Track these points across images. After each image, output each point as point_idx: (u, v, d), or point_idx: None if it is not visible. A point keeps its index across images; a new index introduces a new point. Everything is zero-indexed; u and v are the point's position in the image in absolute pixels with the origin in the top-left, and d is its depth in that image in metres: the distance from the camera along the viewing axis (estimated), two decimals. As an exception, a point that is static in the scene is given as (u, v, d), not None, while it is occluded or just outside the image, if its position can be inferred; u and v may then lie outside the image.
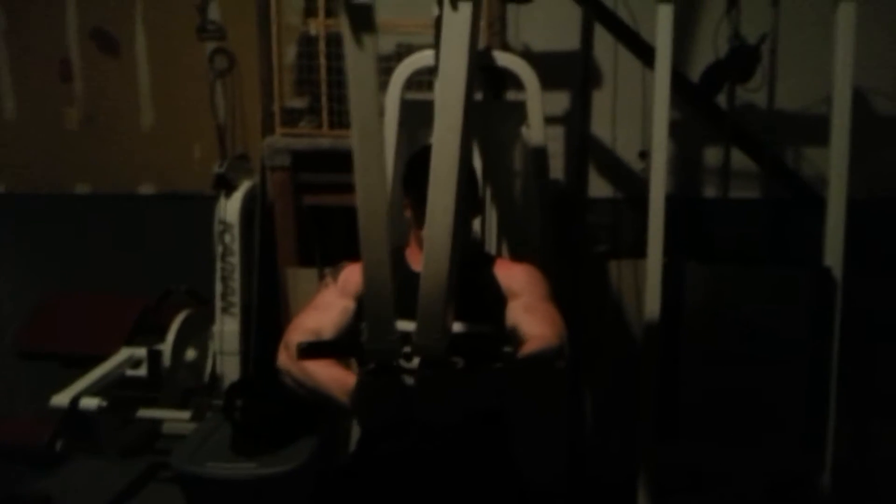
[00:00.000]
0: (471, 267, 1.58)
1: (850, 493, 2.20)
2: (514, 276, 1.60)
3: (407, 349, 1.24)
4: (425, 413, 1.20)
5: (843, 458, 2.15)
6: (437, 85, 1.17)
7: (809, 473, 2.07)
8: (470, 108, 1.17)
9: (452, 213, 1.15)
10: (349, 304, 1.59)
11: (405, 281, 1.54)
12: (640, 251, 2.20)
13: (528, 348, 1.38)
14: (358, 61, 1.18)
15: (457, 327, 1.46)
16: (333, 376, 1.37)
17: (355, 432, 1.86)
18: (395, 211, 1.92)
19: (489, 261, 1.64)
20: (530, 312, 1.50)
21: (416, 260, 1.58)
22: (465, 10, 1.14)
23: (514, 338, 1.47)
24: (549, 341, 1.40)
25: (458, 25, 1.14)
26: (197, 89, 3.19)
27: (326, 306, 1.60)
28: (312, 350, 1.27)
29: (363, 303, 1.54)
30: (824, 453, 2.07)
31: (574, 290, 2.56)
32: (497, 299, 1.55)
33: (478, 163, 2.23)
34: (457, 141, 1.14)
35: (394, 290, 1.39)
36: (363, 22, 1.19)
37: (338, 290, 1.61)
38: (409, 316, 1.46)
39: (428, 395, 1.19)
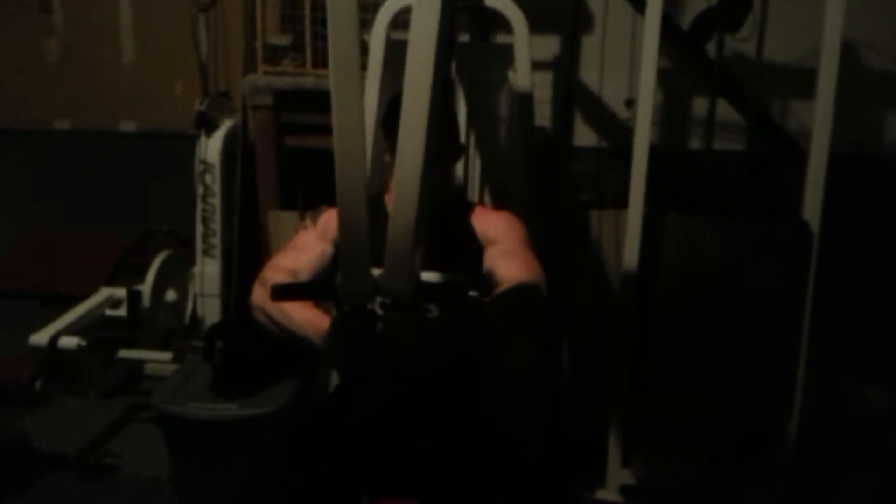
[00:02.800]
0: (449, 215, 1.57)
1: (816, 444, 2.26)
2: (491, 224, 1.59)
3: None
4: (393, 357, 1.21)
5: (811, 410, 2.21)
6: (412, 22, 1.13)
7: (777, 424, 2.13)
8: (443, 47, 1.13)
9: (422, 155, 1.13)
10: (327, 248, 1.59)
11: (384, 226, 1.53)
12: (622, 201, 2.19)
13: (503, 288, 1.39)
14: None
15: (431, 276, 1.46)
16: (308, 318, 1.37)
17: (335, 376, 1.87)
18: (378, 155, 1.90)
19: (468, 209, 1.63)
20: (507, 257, 1.50)
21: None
22: None
23: (490, 283, 1.48)
24: (525, 281, 1.40)
25: None
26: (179, 23, 3.10)
27: (305, 248, 1.59)
28: (287, 291, 1.27)
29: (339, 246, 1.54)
30: (792, 404, 2.12)
31: (555, 239, 2.56)
32: (473, 248, 1.54)
33: (462, 107, 2.20)
34: (428, 80, 1.11)
35: (369, 233, 1.40)
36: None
37: (317, 233, 1.60)
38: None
39: (395, 339, 1.20)
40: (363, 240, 1.19)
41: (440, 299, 1.20)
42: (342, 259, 1.23)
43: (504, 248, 1.52)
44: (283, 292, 1.26)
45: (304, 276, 1.50)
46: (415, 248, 1.17)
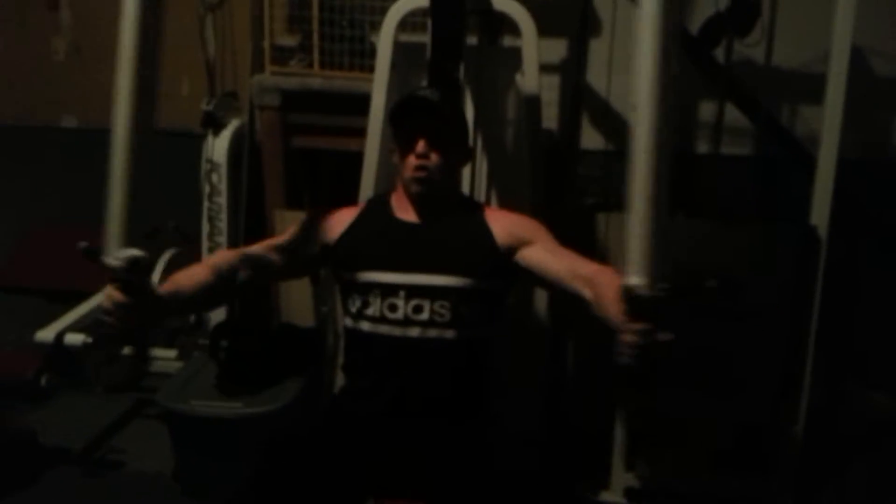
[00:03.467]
0: (461, 213, 1.57)
1: (820, 448, 2.26)
2: (518, 224, 1.56)
3: (393, 301, 1.25)
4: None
5: (816, 413, 2.20)
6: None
7: (783, 425, 2.12)
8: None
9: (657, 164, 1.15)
10: (308, 246, 1.58)
11: (391, 230, 1.53)
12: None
13: (607, 277, 1.30)
14: None
15: (447, 279, 1.46)
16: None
17: (340, 376, 1.87)
18: (386, 156, 1.91)
19: (479, 209, 1.61)
20: (564, 254, 1.47)
21: (401, 207, 1.56)
22: None
23: (552, 282, 1.46)
24: (608, 270, 1.36)
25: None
26: (187, 22, 3.10)
27: (286, 236, 1.62)
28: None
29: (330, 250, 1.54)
30: (798, 406, 2.12)
31: (562, 242, 2.56)
32: (488, 243, 1.52)
33: (470, 109, 2.20)
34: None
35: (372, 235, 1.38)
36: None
37: (303, 228, 1.61)
38: (395, 267, 1.47)
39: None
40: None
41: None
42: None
43: (551, 247, 1.50)
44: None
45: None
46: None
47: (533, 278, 1.54)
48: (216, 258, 1.59)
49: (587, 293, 1.35)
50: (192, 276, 1.44)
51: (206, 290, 1.44)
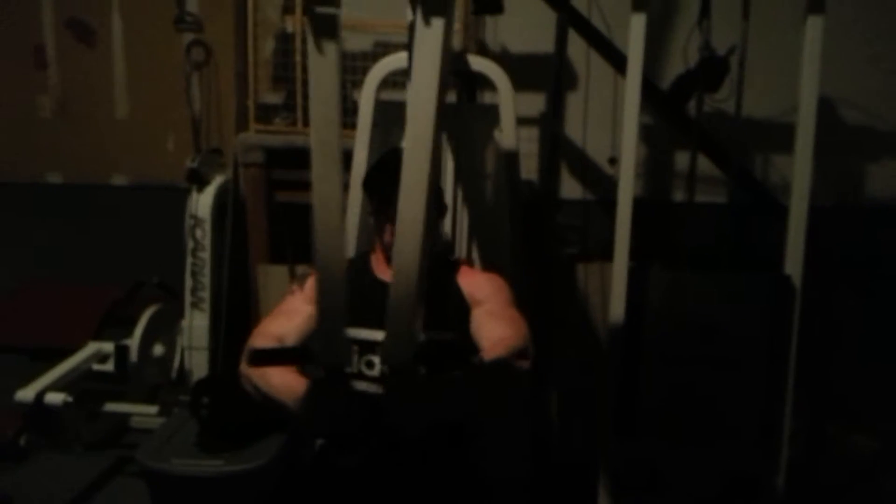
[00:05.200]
0: (435, 275, 1.59)
1: (805, 494, 2.26)
2: (478, 285, 1.62)
3: (371, 357, 1.27)
4: (392, 422, 1.22)
5: (799, 458, 2.21)
6: (409, 98, 1.18)
7: (765, 474, 2.13)
8: (441, 121, 1.19)
9: (422, 224, 1.17)
10: (314, 312, 1.60)
11: (369, 288, 1.56)
12: (608, 252, 2.23)
13: (491, 351, 1.40)
14: (320, 69, 1.20)
15: (427, 336, 1.47)
16: (286, 382, 1.38)
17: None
18: (364, 216, 1.94)
19: (454, 269, 1.65)
20: (494, 317, 1.52)
21: (380, 267, 1.59)
22: (438, 25, 1.15)
23: (477, 343, 1.50)
24: (513, 343, 1.42)
25: (430, 40, 1.16)
26: (173, 80, 3.17)
27: (292, 312, 1.60)
28: (264, 356, 1.29)
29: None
30: (779, 455, 2.12)
31: (543, 292, 2.59)
32: (460, 309, 1.57)
33: (450, 164, 2.25)
34: (427, 154, 1.16)
35: (348, 298, 1.41)
36: (327, 30, 1.21)
37: (304, 297, 1.62)
38: (372, 324, 1.48)
39: (395, 404, 1.21)
40: (339, 304, 1.21)
41: (441, 363, 1.22)
42: (318, 323, 1.25)
43: (491, 309, 1.54)
44: (260, 358, 1.27)
45: (290, 342, 1.52)
46: (415, 312, 1.20)
47: None
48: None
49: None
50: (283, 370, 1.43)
51: None
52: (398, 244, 1.19)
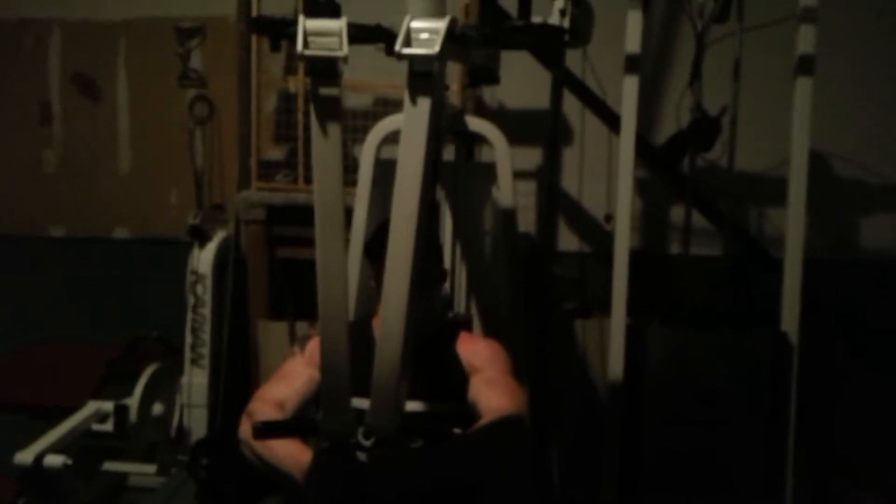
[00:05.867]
0: (434, 343, 1.60)
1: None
2: (475, 352, 1.62)
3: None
4: (378, 493, 1.22)
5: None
6: (397, 174, 1.21)
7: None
8: (427, 197, 1.21)
9: (407, 297, 1.18)
10: (315, 375, 1.60)
11: (368, 355, 1.56)
12: (606, 304, 2.25)
13: (485, 421, 1.41)
14: (323, 149, 1.23)
15: (417, 406, 1.48)
16: (290, 452, 1.38)
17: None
18: (364, 280, 1.95)
19: (453, 336, 1.65)
20: (490, 386, 1.52)
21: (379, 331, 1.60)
22: (424, 105, 1.19)
23: (474, 412, 1.50)
24: (508, 412, 1.42)
25: (417, 119, 1.19)
26: (176, 135, 3.22)
27: (292, 376, 1.61)
28: (268, 430, 1.29)
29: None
30: (783, 512, 2.12)
31: (541, 348, 2.60)
32: (458, 377, 1.57)
33: (448, 222, 2.27)
34: (412, 230, 1.18)
35: (355, 361, 1.43)
36: (330, 112, 1.24)
37: (304, 360, 1.63)
38: (368, 393, 1.49)
39: (380, 475, 1.21)
40: (344, 377, 1.22)
41: (424, 434, 1.23)
42: (323, 395, 1.26)
43: (488, 377, 1.54)
44: (265, 431, 1.28)
45: (291, 406, 1.52)
46: (401, 383, 1.21)
47: None
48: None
49: None
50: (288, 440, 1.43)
51: None
52: (384, 314, 1.20)
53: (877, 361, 2.77)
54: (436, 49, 1.15)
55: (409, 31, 1.17)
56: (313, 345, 1.65)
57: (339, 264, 1.21)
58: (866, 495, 2.61)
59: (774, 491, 2.13)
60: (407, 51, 1.16)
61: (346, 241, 1.26)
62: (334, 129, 1.22)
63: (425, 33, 1.17)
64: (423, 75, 1.17)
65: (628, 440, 2.21)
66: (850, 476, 2.64)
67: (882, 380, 2.72)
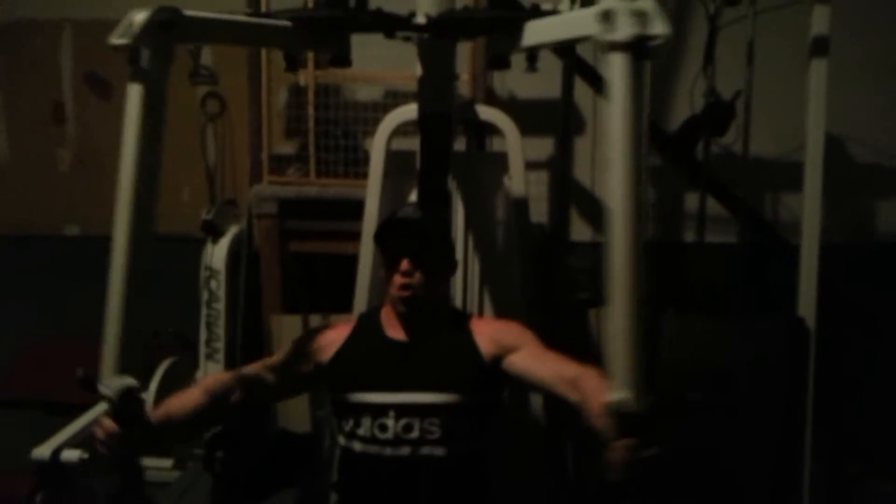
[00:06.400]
0: (447, 328, 1.59)
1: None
2: (503, 331, 1.59)
3: (384, 421, 1.37)
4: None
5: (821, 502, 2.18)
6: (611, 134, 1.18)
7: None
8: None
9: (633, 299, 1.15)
10: (302, 366, 1.60)
11: (381, 349, 1.56)
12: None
13: (598, 387, 1.27)
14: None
15: (436, 397, 1.47)
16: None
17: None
18: (375, 269, 1.95)
19: (465, 321, 1.64)
20: (546, 358, 1.48)
21: (391, 324, 1.58)
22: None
23: (539, 388, 1.52)
24: (590, 372, 1.35)
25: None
26: (188, 133, 3.22)
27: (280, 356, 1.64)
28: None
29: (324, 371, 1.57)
30: (801, 500, 2.09)
31: (555, 339, 2.58)
32: (473, 358, 1.54)
33: (460, 212, 2.26)
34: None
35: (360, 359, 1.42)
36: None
37: (290, 349, 1.63)
38: (384, 386, 1.49)
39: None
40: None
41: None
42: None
43: (536, 352, 1.50)
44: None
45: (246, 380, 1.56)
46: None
47: (522, 383, 1.57)
48: (209, 380, 1.61)
49: (573, 397, 1.35)
50: (185, 400, 1.48)
51: (199, 413, 1.48)
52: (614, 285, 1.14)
53: (890, 347, 2.73)
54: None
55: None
56: (319, 336, 1.64)
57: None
58: (881, 482, 2.57)
59: (789, 478, 2.10)
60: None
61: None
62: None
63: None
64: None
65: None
66: (864, 463, 2.61)
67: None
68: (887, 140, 2.90)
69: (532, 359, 1.49)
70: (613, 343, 1.17)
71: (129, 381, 1.29)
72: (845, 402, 2.56)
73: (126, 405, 1.27)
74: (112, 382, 1.28)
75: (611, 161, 1.18)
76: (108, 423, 1.27)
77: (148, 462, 2.61)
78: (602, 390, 1.19)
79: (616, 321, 1.16)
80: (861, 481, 2.52)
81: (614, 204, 1.16)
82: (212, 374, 1.62)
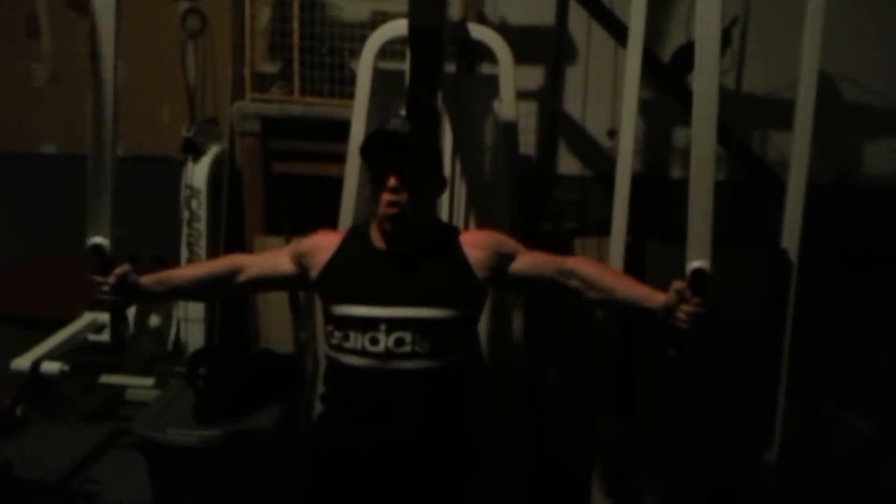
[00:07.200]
0: (437, 241, 1.57)
1: (798, 472, 2.28)
2: (498, 243, 1.60)
3: (375, 334, 1.46)
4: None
5: (794, 438, 2.22)
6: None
7: (760, 452, 2.14)
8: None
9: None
10: (290, 266, 1.62)
11: (371, 262, 1.54)
12: (605, 228, 2.22)
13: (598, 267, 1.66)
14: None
15: (428, 311, 1.49)
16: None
17: (318, 403, 1.87)
18: (364, 183, 1.92)
19: (454, 235, 1.62)
20: (540, 258, 1.61)
21: (379, 239, 1.56)
22: None
23: (543, 285, 1.61)
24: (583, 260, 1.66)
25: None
26: (168, 50, 3.12)
27: (272, 254, 1.72)
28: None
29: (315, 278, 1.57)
30: (773, 433, 2.13)
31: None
32: (463, 269, 1.54)
33: (448, 136, 2.23)
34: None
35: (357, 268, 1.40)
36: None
37: (291, 249, 1.65)
38: (373, 299, 1.47)
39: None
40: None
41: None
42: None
43: (530, 254, 1.60)
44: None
45: (253, 272, 1.65)
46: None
47: (522, 288, 1.78)
48: (223, 262, 1.74)
49: (574, 284, 1.58)
50: (189, 268, 1.76)
51: (197, 282, 1.69)
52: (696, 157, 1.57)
53: (875, 288, 2.77)
54: None
55: None
56: (310, 239, 1.63)
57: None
58: (856, 417, 2.64)
59: (768, 413, 2.14)
60: None
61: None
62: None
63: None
64: None
65: (624, 363, 2.21)
66: (844, 402, 2.67)
67: (879, 307, 2.72)
68: (878, 82, 2.87)
69: (531, 260, 1.59)
70: (693, 224, 1.59)
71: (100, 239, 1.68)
72: (826, 342, 2.59)
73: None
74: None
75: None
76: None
77: (129, 381, 2.63)
78: (609, 272, 1.70)
79: (696, 203, 1.57)
80: (837, 417, 2.58)
81: (699, 86, 1.52)
82: (231, 256, 1.75)
